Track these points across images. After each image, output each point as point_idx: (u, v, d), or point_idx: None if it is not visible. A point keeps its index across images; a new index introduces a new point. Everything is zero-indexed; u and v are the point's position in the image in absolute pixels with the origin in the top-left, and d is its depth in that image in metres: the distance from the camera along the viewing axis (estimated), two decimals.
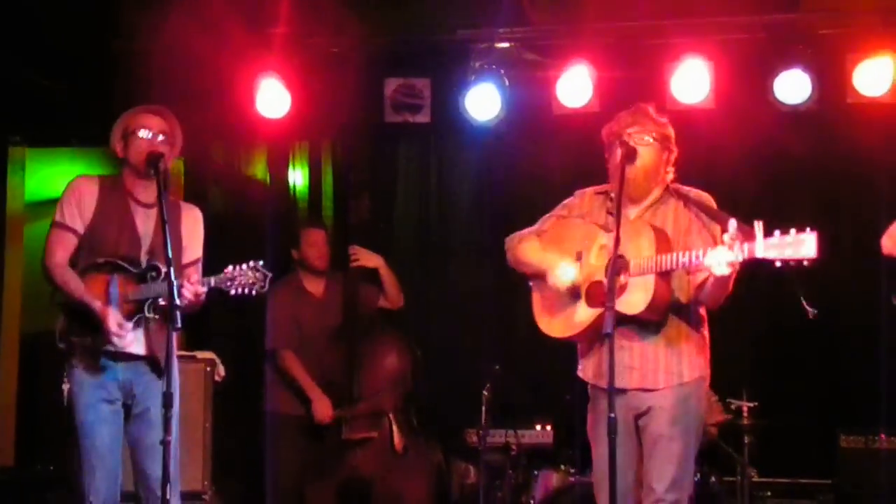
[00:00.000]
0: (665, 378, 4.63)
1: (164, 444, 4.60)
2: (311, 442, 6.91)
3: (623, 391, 4.58)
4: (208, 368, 6.54)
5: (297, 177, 8.16)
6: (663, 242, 4.56)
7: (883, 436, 6.18)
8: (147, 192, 5.08)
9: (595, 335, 4.63)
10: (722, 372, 6.28)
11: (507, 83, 7.01)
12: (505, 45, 7.03)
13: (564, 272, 4.71)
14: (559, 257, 4.78)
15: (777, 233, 4.12)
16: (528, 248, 4.92)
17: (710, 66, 6.72)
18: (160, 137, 5.04)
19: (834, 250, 6.86)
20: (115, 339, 4.97)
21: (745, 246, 4.18)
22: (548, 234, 4.92)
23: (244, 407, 7.02)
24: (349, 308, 7.01)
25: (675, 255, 4.47)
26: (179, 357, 5.31)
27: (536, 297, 4.90)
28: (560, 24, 7.08)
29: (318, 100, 7.19)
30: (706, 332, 4.76)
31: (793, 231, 4.10)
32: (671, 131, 4.79)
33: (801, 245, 4.08)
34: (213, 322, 7.22)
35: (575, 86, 6.87)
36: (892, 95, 6.52)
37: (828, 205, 7.08)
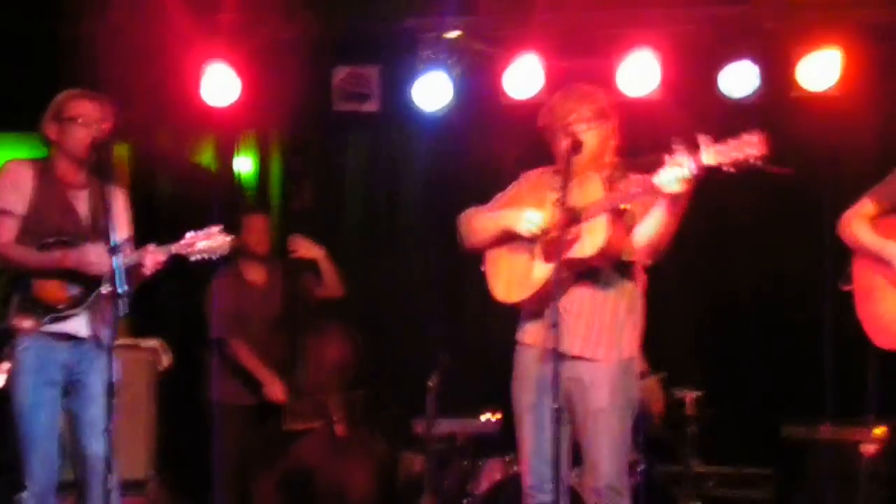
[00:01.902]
0: (606, 352, 4.63)
1: (107, 432, 4.57)
2: (255, 431, 6.94)
3: (564, 356, 4.48)
4: (152, 357, 6.57)
5: (244, 164, 8.18)
6: (614, 185, 4.55)
7: (825, 426, 6.22)
8: (78, 175, 5.09)
9: (546, 295, 4.54)
10: (667, 362, 6.35)
11: (455, 72, 7.01)
12: (454, 34, 7.03)
13: (533, 217, 4.65)
14: (520, 209, 4.74)
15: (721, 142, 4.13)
16: (483, 216, 4.89)
17: (658, 57, 6.72)
18: (96, 124, 5.02)
19: (778, 242, 6.99)
20: (97, 270, 4.93)
21: (693, 158, 4.13)
22: (501, 206, 4.91)
23: (188, 395, 6.99)
24: (290, 297, 7.06)
25: (626, 184, 4.48)
26: (123, 346, 5.30)
27: (491, 268, 4.86)
28: (510, 14, 7.10)
29: (266, 88, 7.17)
30: (643, 302, 4.80)
31: (741, 136, 4.10)
32: (606, 100, 4.81)
33: (748, 144, 4.07)
34: (159, 309, 7.21)
35: (524, 76, 6.88)
36: (839, 89, 6.57)
37: (772, 197, 7.07)
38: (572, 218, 4.45)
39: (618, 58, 6.79)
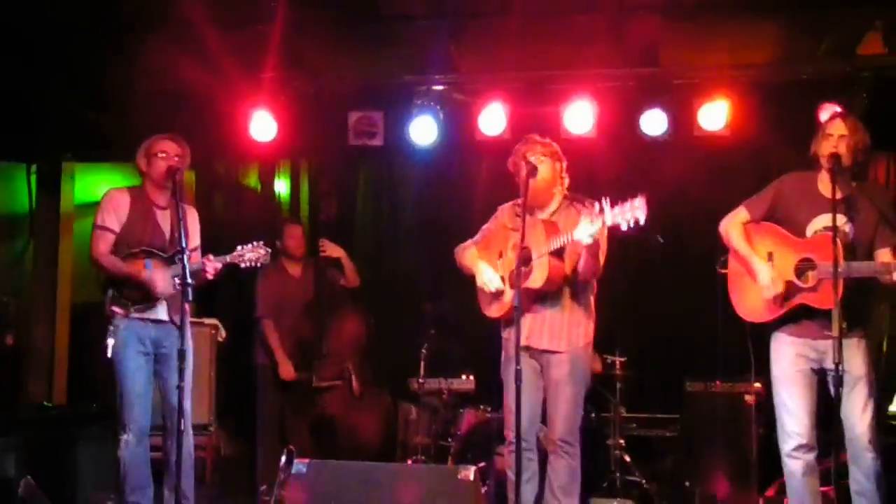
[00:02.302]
0: (566, 343, 4.87)
1: (179, 388, 4.76)
2: (289, 390, 6.93)
3: (535, 350, 4.85)
4: (213, 331, 6.62)
5: (282, 186, 8.19)
6: (552, 230, 4.77)
7: (718, 382, 6.24)
8: (163, 198, 5.24)
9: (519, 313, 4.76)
10: (602, 335, 6.45)
11: (441, 116, 6.97)
12: (440, 87, 6.98)
13: (488, 279, 4.96)
14: (484, 264, 5.00)
15: (618, 205, 4.35)
16: (467, 255, 5.16)
17: (594, 105, 6.71)
18: (175, 158, 5.19)
19: (684, 242, 7.07)
20: (159, 290, 5.12)
21: (599, 219, 4.41)
22: (481, 242, 5.17)
23: (240, 361, 7.01)
24: (319, 286, 7.07)
25: (556, 236, 4.69)
26: (191, 323, 5.43)
27: (479, 292, 5.10)
28: (482, 72, 7.14)
29: (298, 127, 7.14)
30: (593, 305, 4.98)
31: (628, 201, 4.32)
32: (557, 147, 5.03)
33: (636, 208, 4.30)
34: (217, 295, 7.19)
35: (492, 118, 6.87)
36: (727, 130, 6.63)
37: (681, 209, 7.18)
38: (527, 257, 4.70)
39: (563, 105, 6.75)
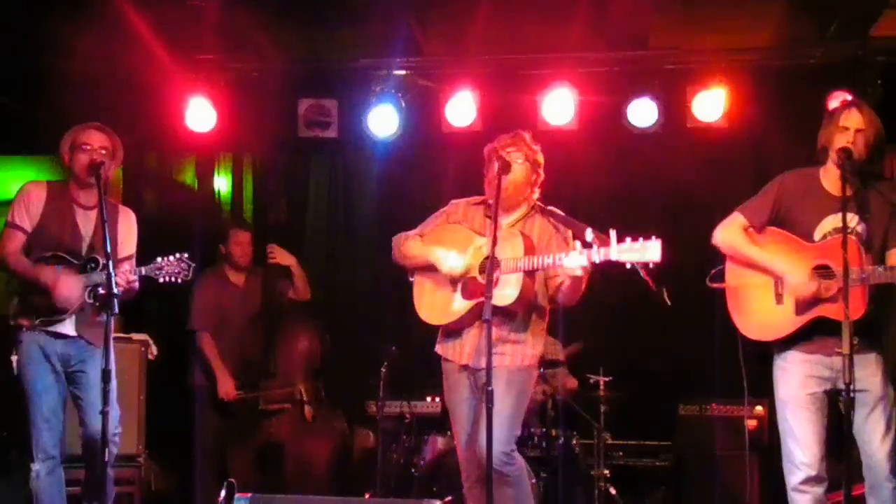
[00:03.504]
0: (510, 360, 4.78)
1: (103, 414, 4.65)
2: (232, 412, 6.88)
3: (473, 369, 4.78)
4: (142, 348, 6.48)
5: (222, 183, 8.13)
6: (530, 247, 4.71)
7: (715, 405, 6.27)
8: (88, 196, 5.16)
9: (466, 323, 4.78)
10: (585, 352, 6.40)
11: (403, 105, 7.00)
12: (401, 72, 7.03)
13: (454, 263, 4.80)
14: (442, 249, 4.87)
15: (628, 240, 4.28)
16: (412, 245, 5.01)
17: (574, 93, 6.76)
18: (102, 151, 5.10)
19: (676, 250, 7.03)
20: (63, 299, 5.01)
21: (602, 250, 4.34)
22: (429, 235, 5.02)
23: (174, 381, 6.94)
24: (266, 298, 7.06)
25: (540, 257, 4.61)
26: (116, 338, 5.32)
27: (417, 290, 5.01)
28: (449, 55, 7.15)
29: (241, 117, 7.15)
30: (546, 323, 4.93)
31: (641, 239, 4.26)
32: (541, 159, 4.94)
33: (647, 250, 4.26)
34: (147, 308, 7.13)
35: (461, 108, 6.90)
36: (724, 121, 6.68)
37: (670, 212, 7.16)
38: (494, 266, 4.56)
39: (541, 93, 6.81)
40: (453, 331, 4.85)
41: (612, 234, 4.32)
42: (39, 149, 7.31)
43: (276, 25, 6.91)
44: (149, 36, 6.50)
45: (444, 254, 4.85)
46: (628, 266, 4.33)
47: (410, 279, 5.03)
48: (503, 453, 4.68)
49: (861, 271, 4.36)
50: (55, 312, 5.08)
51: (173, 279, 5.12)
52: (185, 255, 5.13)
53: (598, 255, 4.35)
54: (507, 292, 4.64)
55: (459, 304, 4.79)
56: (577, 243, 4.44)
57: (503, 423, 4.67)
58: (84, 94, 6.61)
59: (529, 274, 4.67)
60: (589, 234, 4.40)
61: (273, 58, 7.21)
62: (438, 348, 4.96)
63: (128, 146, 5.39)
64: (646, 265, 4.31)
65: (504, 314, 4.71)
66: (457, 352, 4.85)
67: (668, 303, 5.61)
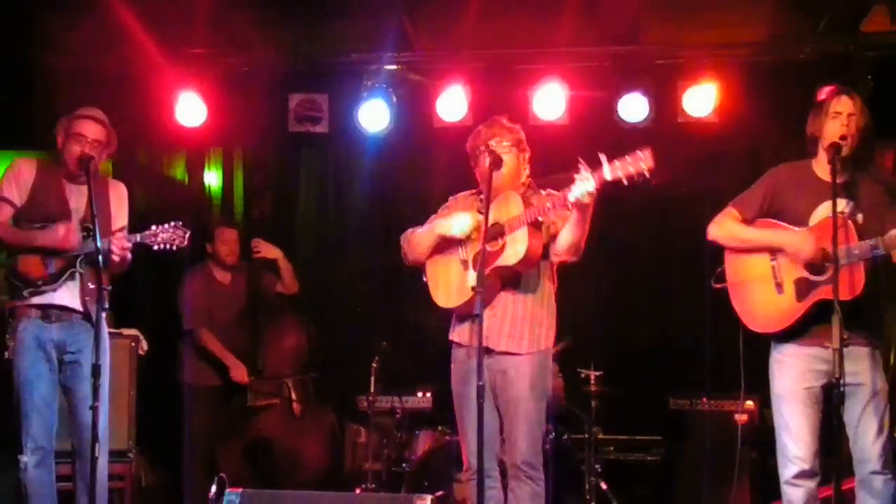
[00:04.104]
0: (528, 345, 4.75)
1: (93, 409, 4.68)
2: (221, 408, 6.95)
3: (492, 351, 4.69)
4: (133, 343, 6.47)
5: (212, 178, 8.13)
6: (529, 203, 4.69)
7: (704, 399, 6.29)
8: (78, 172, 5.12)
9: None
10: (576, 346, 6.41)
11: (394, 99, 7.00)
12: (392, 66, 7.02)
13: (463, 220, 4.78)
14: (450, 215, 4.86)
15: (617, 159, 4.29)
16: (417, 232, 4.99)
17: (565, 88, 6.78)
18: (94, 143, 5.12)
19: (666, 245, 7.09)
20: (66, 242, 5.01)
21: (596, 174, 4.31)
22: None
23: (164, 378, 6.96)
24: (253, 294, 7.10)
25: (545, 203, 4.59)
26: (108, 333, 5.31)
27: (431, 277, 4.96)
28: (439, 50, 7.15)
29: (231, 111, 7.15)
30: (555, 306, 4.89)
31: (634, 152, 4.28)
32: (522, 134, 4.93)
33: (640, 160, 4.28)
34: (137, 303, 7.14)
35: (452, 103, 6.91)
36: (715, 116, 6.70)
37: (661, 206, 7.21)
38: (497, 232, 4.61)
39: (531, 88, 6.82)
40: (468, 314, 4.75)
41: (602, 157, 4.33)
42: (30, 143, 7.29)
43: (266, 20, 6.88)
44: (139, 30, 6.50)
45: (449, 221, 4.83)
46: (626, 182, 4.30)
47: (424, 280, 4.98)
48: (528, 464, 4.70)
49: (856, 247, 4.40)
50: (47, 280, 5.06)
51: (168, 246, 5.16)
52: (180, 223, 5.17)
53: (595, 178, 4.30)
54: (516, 248, 4.62)
55: (474, 279, 4.63)
56: (580, 174, 4.37)
57: (527, 432, 4.72)
58: (74, 88, 6.57)
59: (534, 228, 4.64)
60: (583, 166, 4.36)
61: (263, 52, 7.19)
62: (452, 335, 4.89)
63: (118, 141, 5.41)
64: (643, 175, 4.30)
65: (519, 288, 4.71)
66: (470, 334, 4.76)
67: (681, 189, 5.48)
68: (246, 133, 7.61)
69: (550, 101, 6.80)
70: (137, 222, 5.56)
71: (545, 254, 4.78)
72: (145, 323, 6.78)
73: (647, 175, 4.29)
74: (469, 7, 6.45)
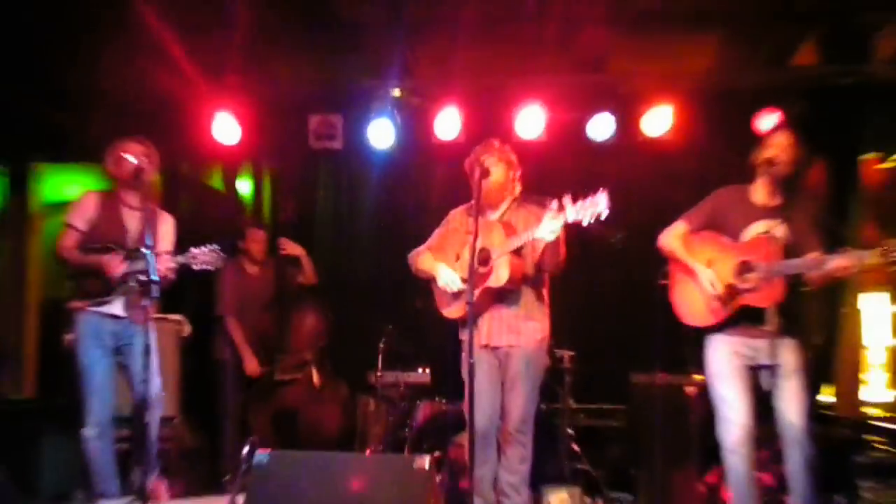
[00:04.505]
0: (525, 339, 4.89)
1: (144, 383, 4.79)
2: (252, 383, 6.93)
3: (497, 348, 4.87)
4: (177, 327, 6.57)
5: (244, 187, 8.16)
6: (511, 232, 4.81)
7: (661, 375, 6.17)
8: (134, 199, 5.24)
9: (480, 309, 4.85)
10: (552, 331, 6.43)
11: (398, 120, 7.02)
12: (397, 92, 7.02)
13: (448, 280, 4.94)
14: (443, 266, 4.98)
15: (579, 201, 4.40)
16: (422, 259, 5.15)
17: (544, 110, 6.79)
18: (143, 158, 5.20)
19: (629, 243, 7.11)
20: (114, 271, 5.12)
21: (561, 215, 4.45)
22: (435, 246, 5.16)
23: (204, 356, 6.98)
24: (279, 285, 7.10)
25: (518, 236, 4.73)
26: (156, 318, 5.40)
27: (438, 295, 5.10)
28: (437, 78, 7.16)
29: (260, 130, 7.14)
30: (547, 303, 5.00)
31: (589, 197, 4.38)
32: (513, 157, 5.04)
33: (597, 204, 4.37)
34: (181, 292, 7.13)
35: (447, 123, 6.92)
36: (670, 135, 6.71)
37: (623, 213, 7.15)
38: (485, 256, 4.74)
39: (515, 109, 6.82)
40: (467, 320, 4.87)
41: (567, 199, 4.45)
42: (90, 158, 7.35)
43: (290, 53, 7.01)
44: (183, 60, 6.53)
45: (443, 270, 4.99)
46: (585, 223, 4.40)
47: (434, 285, 5.11)
48: (520, 431, 4.85)
49: (776, 264, 4.51)
50: (105, 294, 5.19)
51: (205, 266, 5.22)
52: (216, 247, 5.23)
53: (559, 219, 4.46)
54: (500, 274, 4.75)
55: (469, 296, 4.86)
56: (546, 214, 4.52)
57: (523, 402, 4.86)
58: (127, 110, 6.71)
59: (515, 253, 4.76)
60: (553, 205, 4.50)
61: (288, 80, 7.25)
62: (461, 335, 5.02)
63: (164, 156, 5.48)
64: (599, 217, 4.39)
65: (509, 298, 4.83)
66: (478, 334, 4.89)
67: (621, 239, 5.65)
68: (273, 149, 7.62)
69: (531, 121, 6.81)
70: (182, 225, 5.64)
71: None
72: (188, 309, 6.84)
73: (602, 216, 4.38)
74: (461, 41, 6.49)
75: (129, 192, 5.28)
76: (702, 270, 4.76)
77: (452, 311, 5.04)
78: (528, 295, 4.92)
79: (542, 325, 4.97)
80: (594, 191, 4.40)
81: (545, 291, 5.01)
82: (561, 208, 4.46)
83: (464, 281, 4.93)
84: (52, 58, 6.72)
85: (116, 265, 5.16)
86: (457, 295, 4.99)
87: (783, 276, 4.53)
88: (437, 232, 5.20)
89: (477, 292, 4.79)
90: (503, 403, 4.92)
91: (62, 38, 6.55)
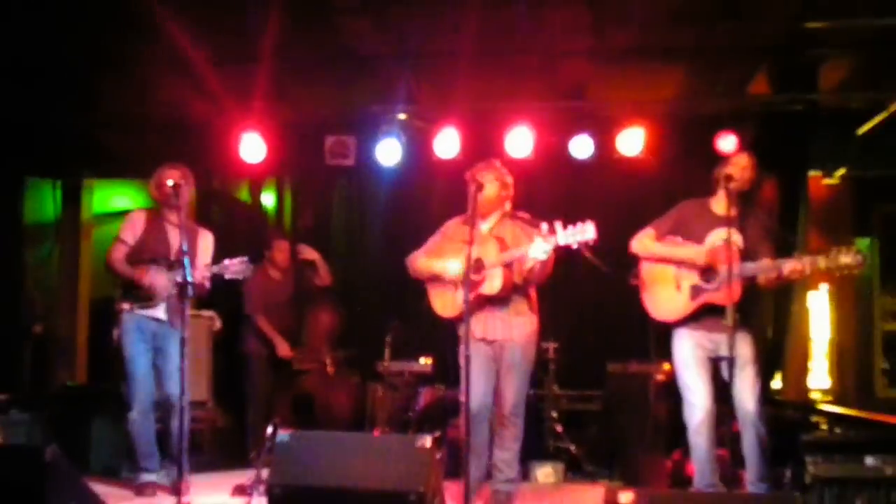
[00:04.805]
0: (517, 333, 4.90)
1: (181, 369, 4.82)
2: (274, 371, 6.97)
3: (493, 341, 4.88)
4: (210, 322, 6.64)
5: (268, 199, 8.17)
6: (504, 246, 4.84)
7: (633, 363, 6.25)
8: (174, 217, 5.26)
9: (473, 310, 4.79)
10: (539, 325, 6.44)
11: (403, 140, 6.98)
12: (402, 115, 6.98)
13: (454, 268, 4.93)
14: (446, 261, 4.98)
15: (569, 227, 4.43)
16: (420, 261, 5.13)
17: (532, 132, 6.74)
18: (180, 182, 5.21)
19: (604, 251, 7.11)
20: (157, 288, 5.17)
21: (552, 238, 4.47)
22: (431, 252, 5.13)
23: (233, 348, 7.02)
24: (298, 286, 7.14)
25: (512, 252, 4.75)
26: (191, 315, 5.44)
27: (433, 296, 5.10)
28: (438, 103, 7.12)
29: (282, 149, 7.10)
30: (535, 301, 5.03)
31: (578, 224, 4.42)
32: (509, 179, 5.04)
33: (585, 231, 4.42)
34: (213, 292, 7.18)
35: (447, 143, 6.87)
36: (642, 154, 6.68)
37: (601, 223, 7.05)
38: (479, 265, 4.76)
39: (506, 131, 6.76)
40: (461, 320, 4.81)
41: (558, 224, 4.48)
42: (134, 173, 7.43)
43: (310, 81, 7.02)
44: (216, 88, 6.57)
45: (445, 265, 4.98)
46: (574, 247, 4.45)
47: (425, 286, 5.13)
48: (513, 413, 4.86)
49: (737, 267, 4.56)
50: (149, 301, 5.27)
51: (237, 276, 5.25)
52: (246, 259, 5.26)
53: (551, 242, 4.48)
54: (493, 283, 4.78)
55: (461, 298, 4.80)
56: (538, 236, 4.55)
57: (516, 389, 4.87)
58: (167, 132, 6.77)
59: (507, 266, 4.79)
60: (544, 228, 4.53)
61: (307, 105, 7.25)
62: (459, 331, 4.96)
63: (198, 172, 5.53)
64: (586, 243, 4.44)
65: (500, 302, 4.84)
66: (475, 331, 4.88)
67: (606, 268, 5.75)
68: (293, 165, 7.61)
69: (520, 141, 6.75)
70: (216, 232, 5.69)
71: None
72: (219, 306, 6.88)
73: (590, 243, 4.42)
74: (459, 71, 6.48)
75: (170, 211, 5.33)
76: (687, 250, 4.74)
77: (447, 311, 5.04)
78: (516, 297, 4.92)
79: (532, 321, 4.97)
80: (583, 218, 4.46)
81: (532, 293, 5.02)
82: (552, 231, 4.49)
83: (457, 283, 4.91)
84: (100, 83, 6.78)
85: (160, 284, 5.21)
86: (451, 291, 4.95)
87: (741, 279, 4.60)
88: (433, 239, 5.18)
89: (472, 295, 4.78)
90: (499, 390, 4.91)
91: (108, 67, 6.59)
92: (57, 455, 4.00)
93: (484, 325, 4.89)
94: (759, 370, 4.75)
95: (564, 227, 4.45)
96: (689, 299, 4.79)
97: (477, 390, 4.81)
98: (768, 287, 4.71)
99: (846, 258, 4.33)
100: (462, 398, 4.70)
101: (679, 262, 4.83)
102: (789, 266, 4.47)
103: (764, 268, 4.58)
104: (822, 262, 4.40)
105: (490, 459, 4.99)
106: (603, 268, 5.73)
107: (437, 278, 5.05)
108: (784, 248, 4.80)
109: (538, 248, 4.53)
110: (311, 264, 7.12)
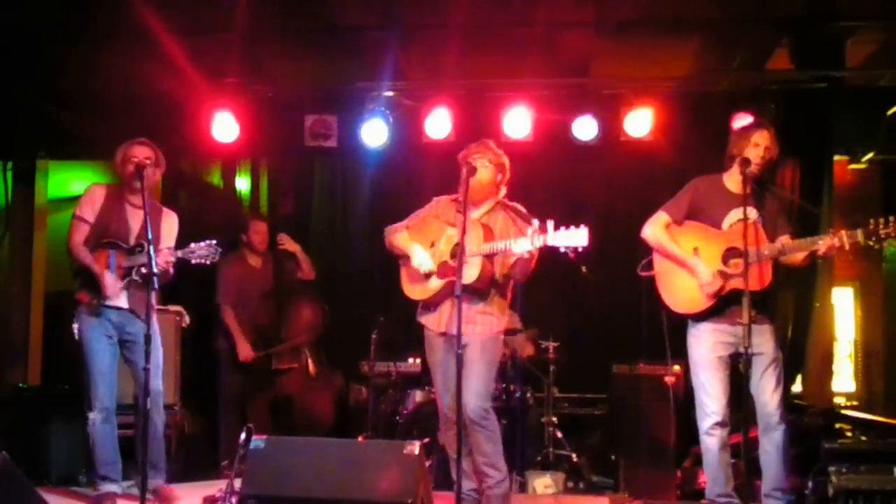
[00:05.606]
0: (480, 329, 4.85)
1: (145, 370, 4.80)
2: (249, 371, 6.94)
3: (450, 335, 4.77)
4: (177, 317, 6.56)
5: (242, 183, 8.15)
6: (489, 236, 4.80)
7: (641, 365, 6.24)
8: (137, 198, 5.21)
9: (441, 298, 4.87)
10: (539, 324, 6.40)
11: (390, 120, 6.98)
12: (389, 93, 6.99)
13: (422, 261, 4.91)
14: (419, 247, 4.95)
15: (562, 228, 4.40)
16: (398, 237, 5.09)
17: (530, 111, 6.76)
18: (146, 160, 5.19)
19: (610, 241, 7.11)
20: (108, 293, 5.14)
21: (541, 237, 4.44)
22: (413, 227, 5.10)
23: (203, 345, 7.00)
24: (278, 277, 7.12)
25: (495, 243, 4.72)
26: (157, 309, 5.42)
27: (403, 272, 5.09)
28: (428, 80, 7.15)
29: (258, 129, 7.11)
30: (509, 300, 4.99)
31: (572, 227, 4.39)
32: (506, 161, 5.00)
33: (577, 236, 4.39)
34: (181, 284, 7.12)
35: (438, 123, 6.88)
36: (650, 136, 6.69)
37: (606, 209, 7.18)
38: (461, 252, 4.68)
39: (502, 110, 6.78)
40: (431, 304, 4.95)
41: (550, 223, 4.45)
42: (94, 155, 7.36)
43: (287, 55, 7.00)
44: (184, 63, 6.53)
45: (417, 250, 4.95)
46: (562, 250, 4.44)
47: (399, 262, 5.12)
48: (480, 407, 4.78)
49: (762, 249, 4.55)
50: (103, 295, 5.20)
51: (203, 261, 5.22)
52: (213, 242, 5.23)
53: (538, 240, 4.46)
54: (470, 272, 4.72)
55: (435, 283, 4.92)
56: (527, 234, 4.53)
57: (479, 383, 4.80)
58: (131, 110, 6.71)
59: (488, 257, 4.77)
60: (535, 225, 4.50)
61: (284, 81, 7.23)
62: (420, 318, 5.04)
63: (165, 153, 5.47)
64: (576, 248, 4.43)
65: (472, 292, 4.79)
66: (435, 321, 4.94)
67: (587, 273, 5.72)
68: (270, 147, 7.59)
69: (518, 122, 6.76)
70: (182, 220, 5.64)
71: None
72: (188, 301, 6.84)
73: (580, 249, 4.41)
74: (451, 45, 6.48)
75: (133, 191, 5.27)
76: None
77: (415, 293, 5.01)
78: (490, 293, 4.89)
79: (500, 321, 4.93)
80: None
81: (508, 291, 4.98)
82: (543, 230, 4.47)
83: (439, 268, 4.90)
84: (56, 59, 6.73)
85: (112, 288, 5.17)
86: (426, 276, 4.95)
87: (770, 260, 4.57)
88: (418, 213, 5.15)
89: (443, 282, 4.83)
90: (462, 391, 4.82)
91: (66, 40, 6.56)
92: (7, 463, 3.94)
93: (448, 318, 4.84)
94: (782, 370, 4.75)
95: (557, 227, 4.44)
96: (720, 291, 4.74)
97: (440, 390, 4.90)
98: (803, 264, 4.70)
99: (886, 229, 4.38)
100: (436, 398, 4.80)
101: (688, 268, 4.78)
102: (827, 241, 4.49)
103: (795, 247, 4.58)
104: (860, 235, 4.43)
105: (474, 467, 4.95)
106: (584, 271, 5.72)
107: (408, 257, 5.05)
108: (809, 223, 4.77)
109: (524, 245, 4.54)
110: (292, 256, 7.11)
